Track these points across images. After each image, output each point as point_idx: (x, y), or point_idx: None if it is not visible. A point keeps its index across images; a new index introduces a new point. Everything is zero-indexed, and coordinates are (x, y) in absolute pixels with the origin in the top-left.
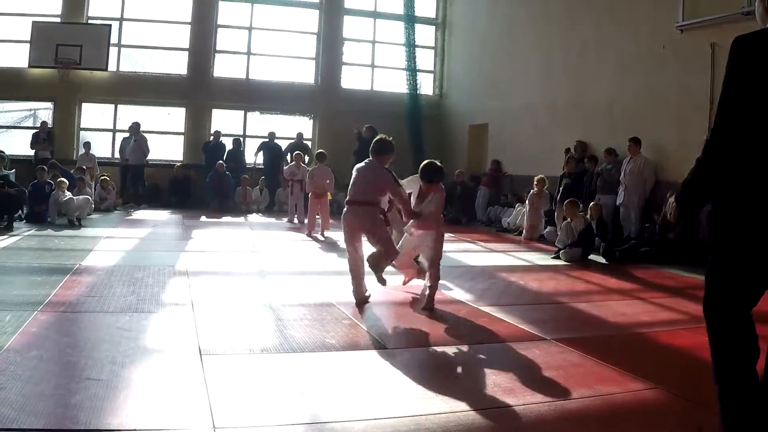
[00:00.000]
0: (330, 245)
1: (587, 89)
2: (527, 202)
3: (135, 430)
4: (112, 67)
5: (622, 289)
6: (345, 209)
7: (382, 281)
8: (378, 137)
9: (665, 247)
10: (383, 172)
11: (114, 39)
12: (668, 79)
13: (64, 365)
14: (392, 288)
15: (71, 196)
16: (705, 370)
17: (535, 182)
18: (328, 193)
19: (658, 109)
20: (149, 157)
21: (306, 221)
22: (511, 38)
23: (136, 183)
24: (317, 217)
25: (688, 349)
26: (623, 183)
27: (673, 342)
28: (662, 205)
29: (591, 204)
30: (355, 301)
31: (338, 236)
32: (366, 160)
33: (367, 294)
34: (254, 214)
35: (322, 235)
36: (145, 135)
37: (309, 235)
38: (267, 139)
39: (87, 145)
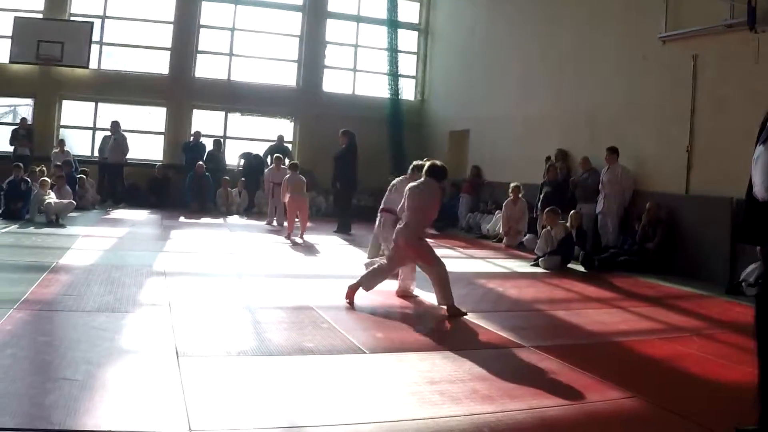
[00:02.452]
0: (308, 248)
1: (568, 98)
2: (503, 208)
3: (110, 431)
4: (93, 64)
5: (601, 298)
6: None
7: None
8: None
9: (644, 256)
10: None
11: (96, 36)
12: (649, 90)
13: (39, 364)
14: (372, 293)
15: (54, 198)
16: (683, 379)
17: (510, 190)
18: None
19: (638, 119)
20: (128, 156)
21: (285, 224)
22: (492, 46)
23: (114, 182)
24: (296, 220)
25: (666, 358)
26: (602, 192)
27: (651, 351)
28: (641, 214)
29: (571, 212)
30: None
31: (316, 239)
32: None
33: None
34: (234, 215)
35: (301, 237)
36: (125, 134)
37: (288, 237)
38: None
39: (62, 142)
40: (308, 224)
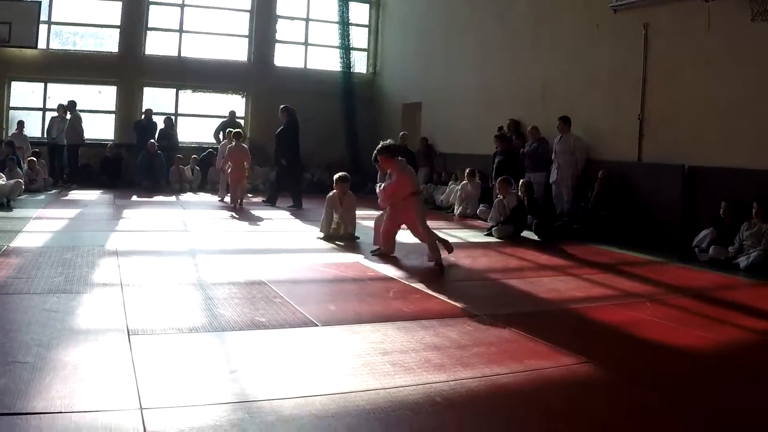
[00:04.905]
0: (260, 223)
1: (522, 69)
2: (458, 191)
3: (60, 412)
4: (41, 44)
5: (555, 266)
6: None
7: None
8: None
9: (598, 224)
10: None
11: (44, 16)
12: (601, 59)
13: None
14: (323, 265)
15: (3, 179)
16: (635, 344)
17: (466, 174)
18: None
19: (591, 88)
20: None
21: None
22: (446, 17)
23: (71, 163)
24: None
25: (619, 324)
26: (555, 161)
27: (604, 317)
28: (594, 182)
29: (521, 181)
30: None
31: (269, 214)
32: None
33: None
34: (187, 193)
35: (240, 205)
36: (80, 114)
37: (234, 207)
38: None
39: (21, 123)
40: (261, 199)
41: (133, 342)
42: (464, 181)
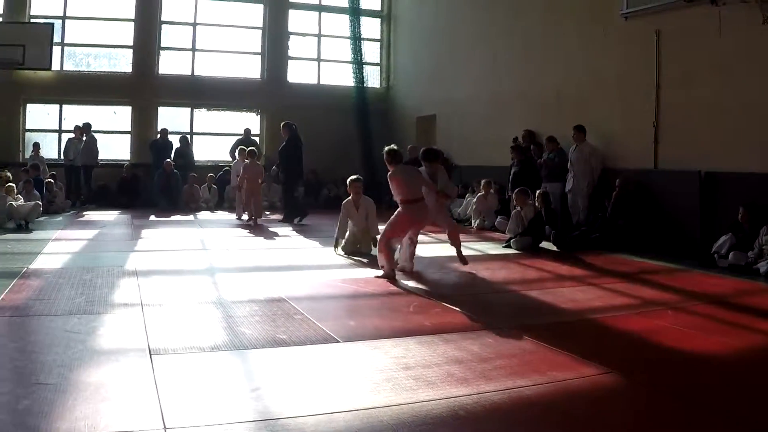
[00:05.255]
0: (278, 240)
1: (534, 79)
2: (475, 202)
3: None
4: (56, 66)
5: (574, 276)
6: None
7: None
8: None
9: (616, 233)
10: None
11: (57, 38)
12: (614, 67)
13: (11, 370)
14: (342, 281)
15: (22, 200)
16: (656, 353)
17: (482, 186)
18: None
19: (604, 96)
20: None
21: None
22: (456, 29)
23: (88, 184)
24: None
25: (641, 333)
26: (571, 171)
27: (625, 327)
28: (611, 191)
29: (537, 192)
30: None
31: (287, 231)
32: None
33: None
34: (204, 211)
35: (255, 222)
36: (95, 135)
37: (248, 221)
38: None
39: (36, 145)
40: (279, 216)
41: (155, 361)
42: (481, 193)
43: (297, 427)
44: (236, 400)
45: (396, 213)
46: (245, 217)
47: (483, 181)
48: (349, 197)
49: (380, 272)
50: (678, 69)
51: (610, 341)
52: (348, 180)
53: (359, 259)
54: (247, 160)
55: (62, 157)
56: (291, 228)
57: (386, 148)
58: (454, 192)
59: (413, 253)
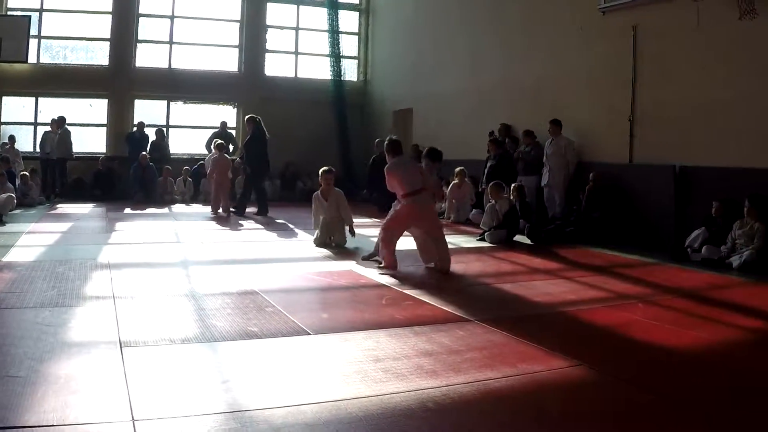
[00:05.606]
0: (251, 233)
1: (511, 73)
2: (448, 191)
3: (53, 425)
4: (32, 59)
5: (548, 269)
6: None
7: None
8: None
9: (590, 226)
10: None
11: (34, 30)
12: (591, 61)
13: None
14: (315, 273)
15: None
16: (627, 346)
17: (455, 174)
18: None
19: (581, 91)
20: (73, 150)
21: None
22: (436, 23)
23: (62, 177)
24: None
25: (612, 326)
26: (546, 164)
27: (596, 319)
28: (586, 185)
29: (512, 185)
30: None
31: (257, 224)
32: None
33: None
34: (179, 204)
35: (226, 212)
36: (69, 129)
37: (214, 213)
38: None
39: (11, 138)
40: (254, 209)
41: (125, 354)
42: (454, 181)
43: (265, 419)
44: (205, 392)
45: (398, 207)
46: (221, 211)
47: (456, 170)
48: (320, 189)
49: (376, 264)
50: (654, 64)
51: (581, 334)
52: (320, 171)
53: (333, 251)
54: (216, 154)
55: (39, 150)
56: (264, 220)
57: (387, 138)
58: (440, 194)
59: (428, 249)
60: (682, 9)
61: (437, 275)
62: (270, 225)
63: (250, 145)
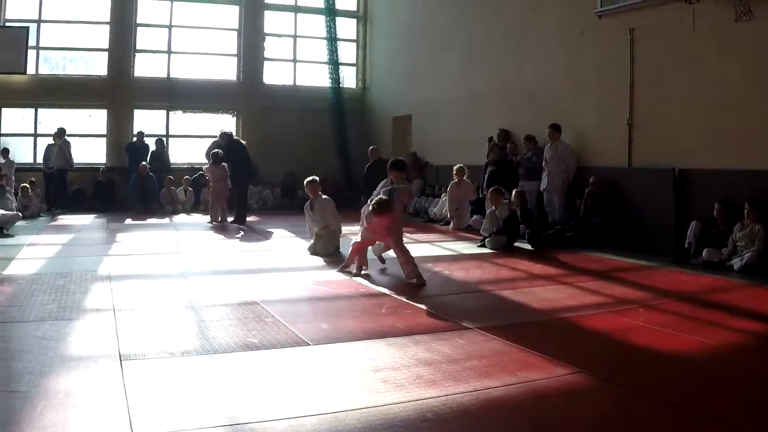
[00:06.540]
0: (253, 242)
1: (509, 78)
2: (447, 191)
3: None
4: (30, 70)
5: (547, 275)
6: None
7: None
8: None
9: (590, 231)
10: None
11: (32, 41)
12: (588, 65)
13: None
14: (315, 283)
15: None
16: (627, 352)
17: (455, 172)
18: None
19: (579, 95)
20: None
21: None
22: (432, 28)
23: (61, 189)
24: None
25: (612, 332)
26: (546, 169)
27: (596, 326)
28: (585, 189)
29: (514, 191)
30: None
31: (261, 234)
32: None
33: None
34: (180, 214)
35: (222, 222)
36: (69, 140)
37: (212, 222)
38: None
39: (5, 151)
40: (255, 218)
41: (125, 367)
42: (453, 181)
43: (264, 431)
44: (205, 405)
45: (397, 219)
46: (219, 219)
47: (455, 167)
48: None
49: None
50: (652, 67)
51: (580, 340)
52: (305, 182)
53: (330, 260)
54: (212, 165)
55: (42, 163)
56: (247, 228)
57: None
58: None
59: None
60: (678, 11)
61: (437, 283)
62: (269, 234)
63: (229, 156)
